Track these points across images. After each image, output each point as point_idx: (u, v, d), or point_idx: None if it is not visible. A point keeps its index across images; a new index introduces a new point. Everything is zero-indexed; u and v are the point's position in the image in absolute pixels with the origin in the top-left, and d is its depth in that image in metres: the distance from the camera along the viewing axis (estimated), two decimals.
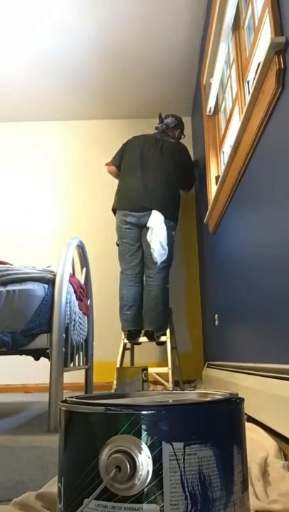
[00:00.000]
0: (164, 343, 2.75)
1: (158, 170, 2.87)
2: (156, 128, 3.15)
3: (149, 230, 2.70)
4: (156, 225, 2.68)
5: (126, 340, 2.80)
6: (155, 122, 3.73)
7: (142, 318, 2.76)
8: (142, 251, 2.82)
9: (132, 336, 2.74)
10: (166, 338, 2.74)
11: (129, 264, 2.81)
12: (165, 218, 2.74)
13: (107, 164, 3.13)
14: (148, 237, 2.70)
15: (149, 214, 2.73)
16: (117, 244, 2.90)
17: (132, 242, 2.81)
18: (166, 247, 2.69)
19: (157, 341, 2.76)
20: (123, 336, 2.79)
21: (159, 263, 2.68)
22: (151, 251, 2.66)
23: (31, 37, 2.82)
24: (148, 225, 2.71)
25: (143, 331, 2.74)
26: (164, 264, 2.72)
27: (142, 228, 2.79)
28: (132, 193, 2.83)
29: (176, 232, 3.47)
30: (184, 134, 3.26)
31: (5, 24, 2.70)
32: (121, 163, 3.04)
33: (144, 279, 2.81)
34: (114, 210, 2.94)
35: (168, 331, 2.77)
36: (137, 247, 2.82)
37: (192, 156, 3.71)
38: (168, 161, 2.91)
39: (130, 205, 2.81)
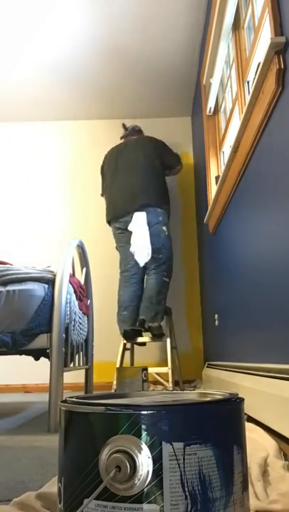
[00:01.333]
0: (160, 335, 2.70)
1: (132, 169, 2.92)
2: (122, 137, 3.24)
3: (132, 234, 2.74)
4: (137, 228, 2.71)
5: (125, 341, 2.81)
6: (155, 122, 3.75)
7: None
8: None
9: (130, 336, 2.74)
10: (165, 337, 2.74)
11: (127, 266, 2.85)
12: (153, 207, 2.78)
13: (102, 196, 3.21)
14: (131, 241, 2.75)
15: (131, 217, 2.78)
16: (117, 249, 2.98)
17: (127, 246, 2.84)
18: (149, 246, 2.70)
19: (153, 333, 2.70)
20: (122, 335, 2.79)
21: (142, 264, 2.72)
22: (133, 254, 2.71)
23: (31, 37, 2.82)
24: (129, 228, 2.76)
25: (138, 324, 2.73)
26: (161, 261, 2.73)
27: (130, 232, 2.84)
28: (115, 203, 2.91)
29: (177, 232, 3.48)
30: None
31: (6, 25, 2.70)
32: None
33: (145, 276, 2.83)
34: (108, 223, 3.02)
35: (168, 331, 2.77)
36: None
37: (192, 157, 3.72)
38: (138, 155, 2.96)
39: (116, 214, 2.89)
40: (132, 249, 2.71)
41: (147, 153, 2.97)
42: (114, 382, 2.33)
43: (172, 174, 3.19)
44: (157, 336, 2.70)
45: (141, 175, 2.88)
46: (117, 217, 2.87)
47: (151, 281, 2.74)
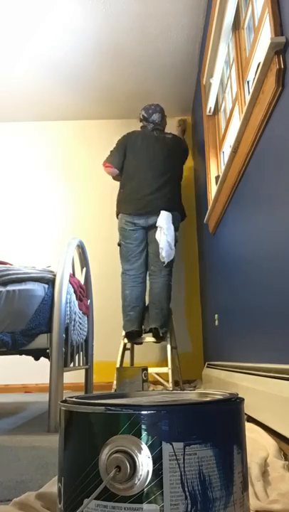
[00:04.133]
0: (164, 338, 2.73)
1: (166, 170, 2.87)
2: (142, 121, 3.08)
3: (158, 230, 2.71)
4: (166, 225, 2.69)
5: (126, 341, 2.80)
6: None
7: (145, 318, 2.76)
8: (146, 251, 2.83)
9: (133, 337, 2.74)
10: (166, 337, 2.74)
11: (133, 265, 2.80)
12: (174, 211, 2.79)
13: (105, 164, 3.01)
14: (157, 237, 2.70)
15: (158, 214, 2.74)
16: (119, 245, 2.88)
17: (137, 243, 2.81)
18: (173, 247, 2.71)
19: (159, 337, 2.73)
20: (123, 335, 2.79)
21: (166, 262, 2.70)
22: (160, 250, 2.67)
23: (31, 37, 2.82)
24: (158, 224, 2.71)
25: (148, 329, 2.73)
26: (165, 264, 2.73)
27: (149, 228, 2.80)
28: (142, 198, 2.80)
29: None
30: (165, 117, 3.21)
31: (5, 24, 2.70)
32: (123, 165, 2.98)
33: (148, 278, 2.81)
34: (118, 213, 2.91)
35: (168, 331, 2.77)
36: (141, 248, 2.82)
37: (192, 157, 3.72)
38: (173, 158, 2.93)
39: (139, 210, 2.79)
40: (161, 245, 2.66)
41: (180, 161, 2.99)
42: (114, 382, 2.33)
43: None
44: (162, 338, 2.71)
45: (173, 178, 2.88)
46: (140, 214, 2.78)
47: (158, 285, 2.72)
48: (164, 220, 2.71)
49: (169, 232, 2.69)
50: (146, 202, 2.78)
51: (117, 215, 2.91)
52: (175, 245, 2.77)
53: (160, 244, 2.67)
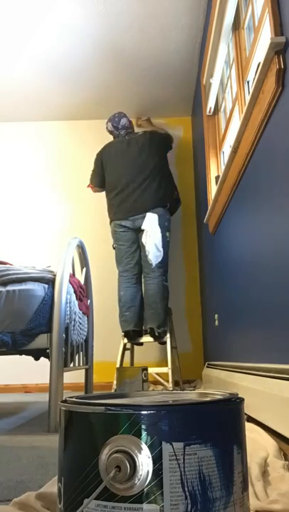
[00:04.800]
0: (166, 342, 2.76)
1: (144, 168, 2.89)
2: (113, 133, 3.15)
3: (144, 233, 2.73)
4: (151, 228, 2.71)
5: (126, 340, 2.81)
6: (156, 122, 3.74)
7: (142, 318, 2.77)
8: (138, 252, 2.84)
9: (132, 337, 2.75)
10: (166, 337, 2.75)
11: (126, 266, 2.83)
12: (162, 209, 2.80)
13: (89, 186, 3.17)
14: (143, 240, 2.74)
15: (143, 217, 2.76)
16: (114, 248, 2.94)
17: (128, 244, 2.83)
18: (161, 249, 2.71)
19: (160, 341, 2.77)
20: (123, 335, 2.80)
21: (154, 265, 2.71)
22: (147, 253, 2.69)
23: (31, 37, 2.82)
24: (142, 227, 2.75)
25: (144, 330, 2.75)
26: (160, 264, 2.74)
27: (137, 231, 2.83)
28: (126, 203, 2.86)
29: (176, 232, 3.48)
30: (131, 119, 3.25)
31: (5, 24, 2.70)
32: (104, 179, 3.06)
33: (142, 279, 2.82)
34: (111, 220, 2.97)
35: (168, 331, 2.77)
36: (134, 249, 2.84)
37: (192, 156, 3.72)
38: (148, 153, 2.93)
39: (126, 215, 2.85)
40: (147, 248, 2.69)
41: (154, 149, 2.97)
42: (114, 382, 2.33)
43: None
44: (158, 338, 2.72)
45: (153, 173, 2.88)
46: (127, 216, 2.83)
47: (153, 287, 2.73)
48: (149, 222, 2.73)
49: (155, 235, 2.70)
50: (130, 205, 2.84)
51: (110, 222, 2.99)
52: (165, 246, 2.77)
53: (146, 247, 2.70)
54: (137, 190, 2.84)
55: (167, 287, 2.79)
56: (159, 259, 2.72)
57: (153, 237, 2.69)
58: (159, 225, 2.74)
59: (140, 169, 2.89)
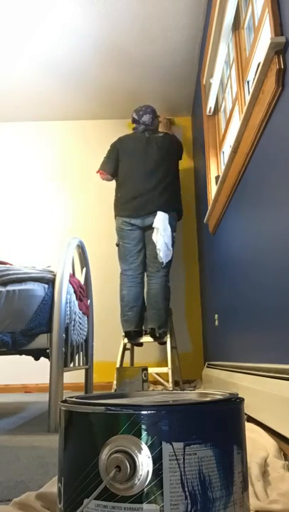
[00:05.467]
0: (166, 342, 2.76)
1: (160, 169, 2.87)
2: (135, 128, 3.08)
3: (155, 231, 2.71)
4: (162, 226, 2.69)
5: (126, 340, 2.81)
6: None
7: (143, 318, 2.77)
8: (144, 252, 2.83)
9: (133, 337, 2.75)
10: (166, 338, 2.75)
11: (131, 265, 2.81)
12: (171, 212, 2.79)
13: (99, 172, 3.06)
14: (154, 238, 2.70)
15: (154, 215, 2.74)
16: (117, 245, 2.89)
17: (134, 243, 2.81)
18: (170, 247, 2.71)
19: (160, 341, 2.77)
20: (123, 335, 2.79)
21: (164, 263, 2.70)
22: (157, 251, 2.67)
23: (31, 37, 2.82)
24: (154, 225, 2.72)
25: (144, 330, 2.75)
26: (167, 264, 2.73)
27: (145, 229, 2.80)
28: (138, 200, 2.80)
29: (176, 232, 3.48)
30: (158, 116, 3.22)
31: (5, 24, 2.70)
32: (117, 170, 2.99)
33: (146, 279, 2.82)
34: (116, 215, 2.91)
35: (168, 331, 2.77)
36: (139, 248, 2.82)
37: (192, 157, 3.72)
38: (166, 156, 2.92)
39: (136, 212, 2.80)
40: (158, 246, 2.66)
41: (174, 158, 2.98)
42: (114, 382, 2.33)
43: None
44: (159, 338, 2.72)
45: (168, 177, 2.87)
46: (136, 216, 2.79)
47: (156, 286, 2.72)
48: (161, 220, 2.71)
49: (166, 233, 2.69)
50: (142, 203, 2.79)
51: (115, 218, 2.93)
52: (173, 246, 2.77)
53: (157, 245, 2.67)
54: (151, 190, 2.81)
55: (169, 288, 2.79)
56: (169, 258, 2.71)
57: (164, 236, 2.68)
58: (169, 223, 2.74)
59: (156, 169, 2.86)
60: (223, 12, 2.06)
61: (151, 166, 2.88)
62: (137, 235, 2.81)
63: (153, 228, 2.72)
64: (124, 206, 2.86)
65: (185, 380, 3.12)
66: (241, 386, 1.44)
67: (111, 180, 3.06)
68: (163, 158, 2.91)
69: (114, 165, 3.00)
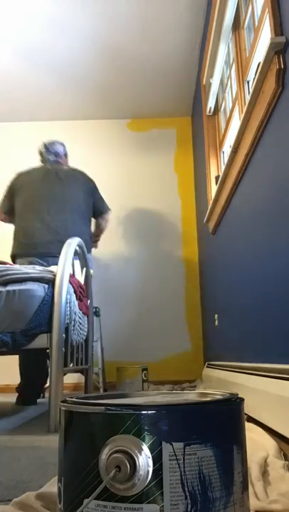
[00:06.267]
0: None
1: (66, 205, 2.48)
2: (43, 159, 2.73)
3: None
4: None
5: None
6: (155, 122, 3.74)
7: None
8: None
9: None
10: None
11: None
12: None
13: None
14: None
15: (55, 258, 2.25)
16: None
17: None
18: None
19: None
20: None
21: None
22: None
23: (31, 37, 2.82)
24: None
25: None
26: None
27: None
28: (39, 238, 2.40)
29: (176, 232, 3.48)
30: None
31: (5, 24, 2.70)
32: (12, 206, 2.60)
33: None
34: (13, 257, 2.48)
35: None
36: None
37: (192, 157, 3.72)
38: (74, 191, 2.53)
39: (39, 251, 2.39)
40: None
41: (83, 191, 2.56)
42: (100, 380, 2.25)
43: (102, 226, 2.72)
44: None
45: (77, 214, 2.48)
46: (40, 256, 2.37)
47: None
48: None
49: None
50: (45, 243, 2.40)
51: (12, 258, 2.49)
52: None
53: None
54: (59, 227, 2.43)
55: None
56: None
57: None
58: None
59: (67, 205, 2.49)
60: (223, 12, 2.06)
61: (56, 201, 2.50)
62: None
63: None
64: (25, 244, 2.46)
65: (185, 380, 3.12)
66: (241, 386, 1.44)
67: (4, 218, 2.74)
68: (72, 195, 2.53)
69: (9, 201, 2.66)
